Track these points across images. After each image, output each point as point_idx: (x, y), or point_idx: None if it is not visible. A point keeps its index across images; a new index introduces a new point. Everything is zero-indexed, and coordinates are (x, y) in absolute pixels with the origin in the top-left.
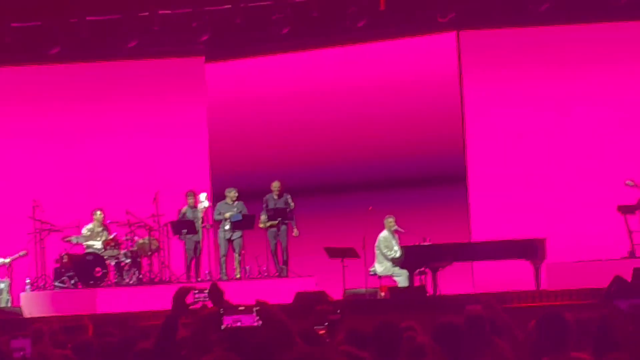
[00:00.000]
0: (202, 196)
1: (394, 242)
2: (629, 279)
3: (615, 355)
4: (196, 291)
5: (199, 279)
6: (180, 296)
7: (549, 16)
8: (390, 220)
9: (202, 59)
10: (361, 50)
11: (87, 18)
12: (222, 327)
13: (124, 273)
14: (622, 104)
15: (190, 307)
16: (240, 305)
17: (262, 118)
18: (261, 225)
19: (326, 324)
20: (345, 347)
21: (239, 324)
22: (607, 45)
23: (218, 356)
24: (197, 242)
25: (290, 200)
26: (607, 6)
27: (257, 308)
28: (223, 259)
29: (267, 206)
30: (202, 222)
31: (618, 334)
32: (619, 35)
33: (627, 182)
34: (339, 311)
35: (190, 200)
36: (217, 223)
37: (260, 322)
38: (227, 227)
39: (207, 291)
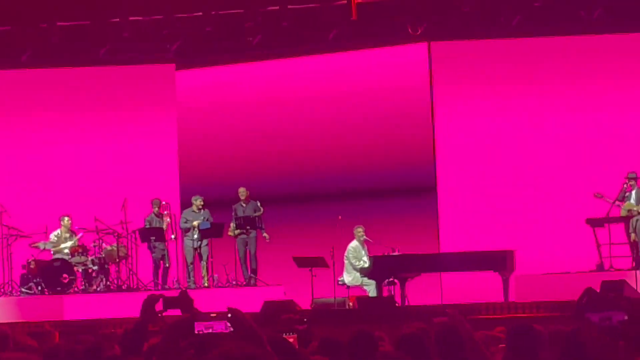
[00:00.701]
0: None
1: (363, 252)
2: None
3: None
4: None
5: (167, 287)
6: (149, 304)
7: (521, 29)
8: (359, 230)
9: (173, 67)
10: (332, 60)
11: (58, 24)
12: (194, 333)
13: (92, 280)
14: (592, 117)
15: (159, 314)
16: (212, 313)
17: (232, 126)
18: (230, 234)
19: (291, 333)
20: (317, 357)
21: (210, 330)
22: (578, 59)
23: None
24: (164, 251)
25: (259, 205)
26: (578, 20)
27: (230, 315)
28: (191, 267)
29: (236, 214)
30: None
31: (589, 347)
32: (590, 48)
33: (596, 194)
34: (305, 320)
35: (156, 209)
36: (183, 232)
37: (232, 330)
38: (196, 236)
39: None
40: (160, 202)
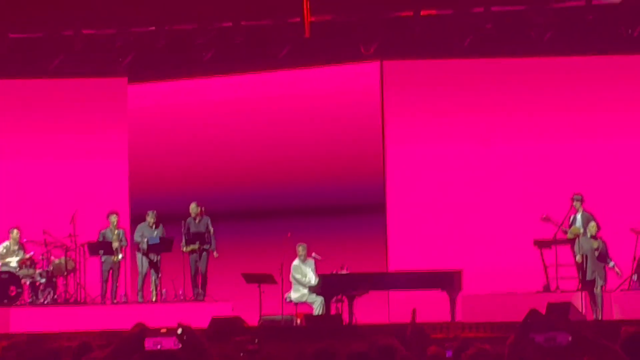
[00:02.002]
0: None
1: (307, 269)
2: (544, 313)
3: None
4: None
5: (115, 301)
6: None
7: (472, 49)
8: (300, 249)
9: (125, 80)
10: (284, 77)
11: (10, 35)
12: (144, 349)
13: (39, 293)
14: (541, 138)
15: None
16: (162, 328)
17: (184, 141)
18: (183, 249)
19: (242, 354)
20: None
21: (159, 347)
22: (528, 80)
23: None
24: (115, 264)
25: (209, 224)
26: (529, 41)
27: (180, 331)
28: (141, 282)
29: (187, 230)
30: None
31: None
32: (541, 70)
33: (543, 217)
34: (257, 341)
35: (113, 221)
36: (135, 246)
37: (181, 346)
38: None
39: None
40: (118, 215)
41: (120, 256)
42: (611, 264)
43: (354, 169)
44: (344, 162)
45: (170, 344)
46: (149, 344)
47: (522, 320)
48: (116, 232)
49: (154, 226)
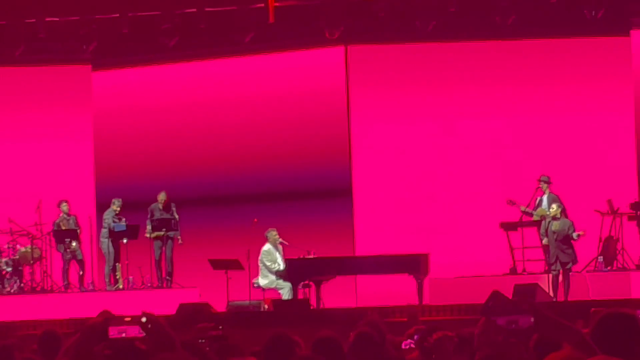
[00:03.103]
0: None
1: (277, 254)
2: (510, 295)
3: None
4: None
5: (83, 289)
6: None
7: (436, 33)
8: (273, 234)
9: (89, 67)
10: (249, 63)
11: None
12: (108, 337)
13: (5, 281)
14: (506, 122)
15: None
16: (126, 316)
17: (149, 128)
18: (147, 235)
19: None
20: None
21: (123, 335)
22: (492, 63)
23: None
24: (75, 252)
25: (175, 211)
26: (493, 24)
27: (143, 319)
28: (107, 269)
29: (152, 216)
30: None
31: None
32: (503, 53)
33: (508, 201)
34: (220, 327)
35: (64, 209)
36: (98, 233)
37: (145, 334)
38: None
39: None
40: (68, 202)
41: (74, 243)
42: (575, 235)
43: (320, 154)
44: (310, 147)
45: (135, 332)
46: (113, 332)
47: (484, 303)
48: (71, 219)
49: (120, 215)
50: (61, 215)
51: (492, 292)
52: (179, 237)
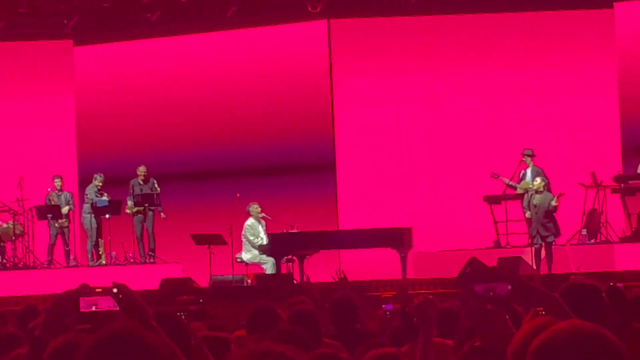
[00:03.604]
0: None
1: (260, 228)
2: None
3: (475, 340)
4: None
5: (66, 265)
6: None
7: (419, 6)
8: (255, 207)
9: (71, 43)
10: (231, 37)
11: None
12: (79, 310)
13: None
14: (490, 95)
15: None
16: (97, 288)
17: (130, 103)
18: (128, 211)
19: (182, 313)
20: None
21: (93, 307)
22: (475, 37)
23: (72, 337)
24: (63, 228)
25: (156, 185)
26: None
27: (114, 290)
28: (90, 245)
29: (133, 191)
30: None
31: (473, 319)
32: (488, 26)
33: (492, 174)
34: (201, 301)
35: (58, 184)
36: (81, 209)
37: (118, 307)
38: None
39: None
40: (62, 178)
41: (65, 220)
42: (554, 202)
43: (303, 128)
44: (293, 121)
45: (108, 304)
46: (84, 304)
47: (461, 270)
48: (62, 195)
49: (101, 190)
50: (54, 191)
51: (470, 258)
52: (160, 211)
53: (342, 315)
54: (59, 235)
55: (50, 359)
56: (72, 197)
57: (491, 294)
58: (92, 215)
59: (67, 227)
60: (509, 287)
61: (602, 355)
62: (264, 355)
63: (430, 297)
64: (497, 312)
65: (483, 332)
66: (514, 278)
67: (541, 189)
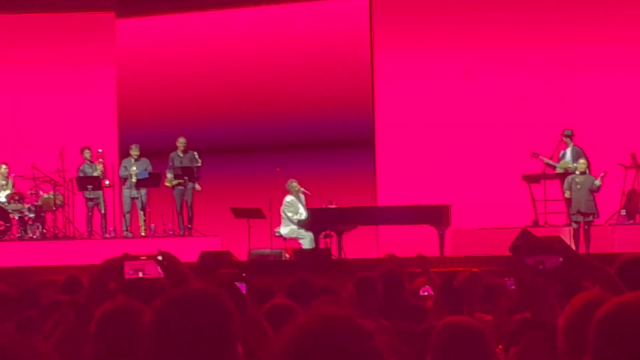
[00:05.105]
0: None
1: (299, 205)
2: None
3: (521, 315)
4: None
5: (105, 236)
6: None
7: None
8: (294, 184)
9: (113, 15)
10: (273, 11)
11: None
12: (124, 276)
13: (28, 227)
14: (530, 74)
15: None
16: (142, 255)
17: (171, 76)
18: (167, 184)
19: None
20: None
21: (140, 274)
22: (519, 12)
23: (120, 302)
24: (99, 199)
25: (197, 157)
26: None
27: (159, 257)
28: (127, 216)
29: (173, 164)
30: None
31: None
32: (528, 3)
33: (532, 154)
34: (244, 274)
35: (87, 155)
36: (122, 181)
37: (163, 274)
38: (134, 185)
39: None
40: (91, 149)
41: (107, 182)
42: (598, 182)
43: (343, 104)
44: (333, 96)
45: (153, 270)
46: (128, 269)
47: (513, 242)
48: (95, 165)
49: (139, 160)
50: (85, 162)
51: (522, 230)
52: (197, 185)
53: (391, 287)
54: (95, 207)
55: (99, 324)
56: (103, 168)
57: (541, 266)
58: (130, 187)
59: (102, 199)
60: (560, 259)
61: None
62: (333, 319)
63: (477, 270)
64: (548, 284)
65: (533, 305)
66: (567, 250)
67: (585, 170)
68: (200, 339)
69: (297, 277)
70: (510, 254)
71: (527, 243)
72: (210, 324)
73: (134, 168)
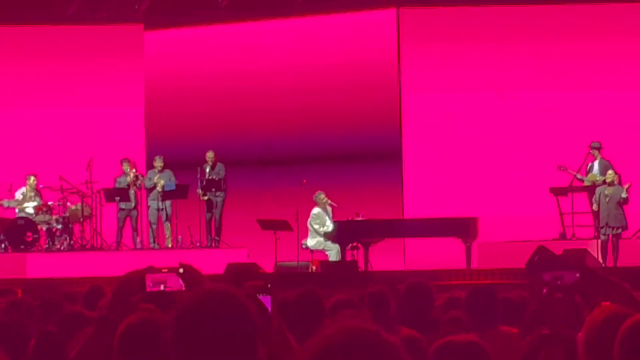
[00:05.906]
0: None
1: (326, 217)
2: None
3: (542, 328)
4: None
5: (137, 247)
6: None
7: None
8: (321, 197)
9: (141, 27)
10: (301, 24)
11: None
12: (146, 289)
13: (55, 239)
14: (557, 87)
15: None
16: (163, 268)
17: (199, 88)
18: (200, 197)
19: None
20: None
21: (162, 286)
22: (547, 27)
23: (143, 315)
24: (130, 210)
25: (222, 170)
26: None
27: (181, 270)
28: (153, 227)
29: (201, 177)
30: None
31: (541, 306)
32: (558, 16)
33: (559, 167)
34: (269, 286)
35: (126, 168)
36: (147, 192)
37: (185, 286)
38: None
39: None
40: (130, 161)
41: (133, 203)
42: (625, 192)
43: (370, 117)
44: (361, 109)
45: (175, 283)
46: (151, 283)
47: (529, 258)
48: (132, 177)
49: (162, 171)
50: (123, 174)
51: (538, 246)
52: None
53: (417, 300)
54: (127, 218)
55: (123, 337)
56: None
57: (559, 282)
58: (153, 199)
59: (136, 210)
60: (577, 275)
61: None
62: (359, 332)
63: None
64: (565, 300)
65: (551, 320)
66: (583, 266)
67: (614, 181)
68: (224, 336)
69: (304, 290)
70: (527, 270)
71: (543, 259)
72: (232, 320)
73: (157, 177)
